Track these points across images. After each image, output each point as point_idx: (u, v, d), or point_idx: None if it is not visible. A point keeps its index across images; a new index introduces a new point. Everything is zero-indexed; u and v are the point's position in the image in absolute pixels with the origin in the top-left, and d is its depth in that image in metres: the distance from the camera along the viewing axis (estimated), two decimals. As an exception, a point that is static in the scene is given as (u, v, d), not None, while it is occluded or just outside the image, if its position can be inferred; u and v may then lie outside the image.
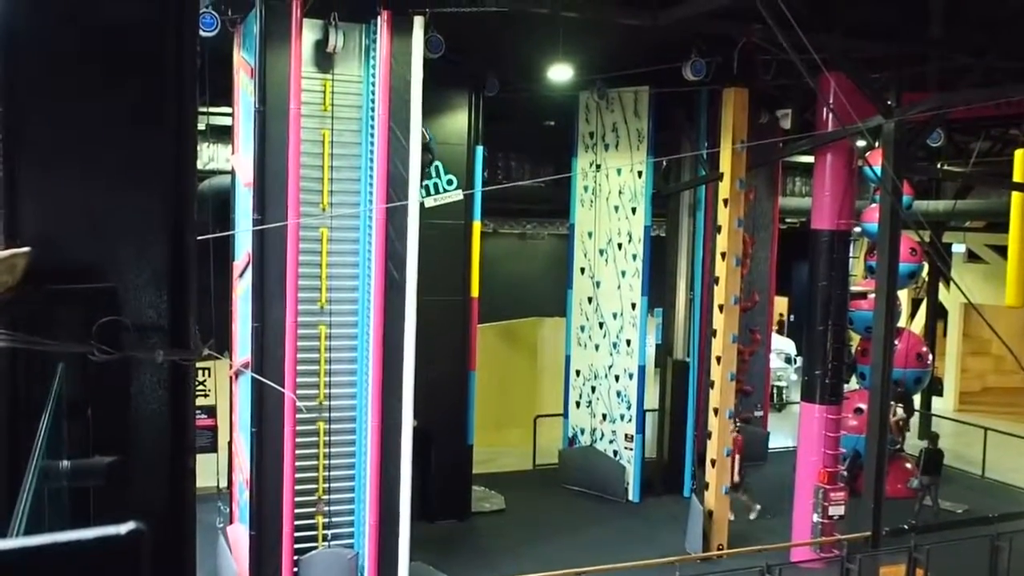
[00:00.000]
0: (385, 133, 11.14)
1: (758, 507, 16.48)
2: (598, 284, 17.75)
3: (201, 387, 15.27)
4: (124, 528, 1.32)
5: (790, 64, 12.26)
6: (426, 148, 12.12)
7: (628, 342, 17.26)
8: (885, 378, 13.30)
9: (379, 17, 11.12)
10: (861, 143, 14.92)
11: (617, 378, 17.48)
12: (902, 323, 19.80)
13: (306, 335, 11.22)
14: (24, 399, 2.78)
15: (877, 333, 13.54)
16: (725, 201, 14.84)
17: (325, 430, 11.40)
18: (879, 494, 13.16)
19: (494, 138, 16.85)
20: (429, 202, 14.34)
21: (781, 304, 28.89)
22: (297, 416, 11.10)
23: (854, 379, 19.13)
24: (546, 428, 19.33)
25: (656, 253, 17.33)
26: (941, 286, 24.19)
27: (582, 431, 18.18)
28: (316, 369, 11.35)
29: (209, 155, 16.48)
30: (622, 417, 17.42)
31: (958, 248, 25.95)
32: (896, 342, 16.10)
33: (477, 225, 15.77)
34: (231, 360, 12.87)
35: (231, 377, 13.21)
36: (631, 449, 17.31)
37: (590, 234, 17.84)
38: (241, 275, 12.16)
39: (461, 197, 15.15)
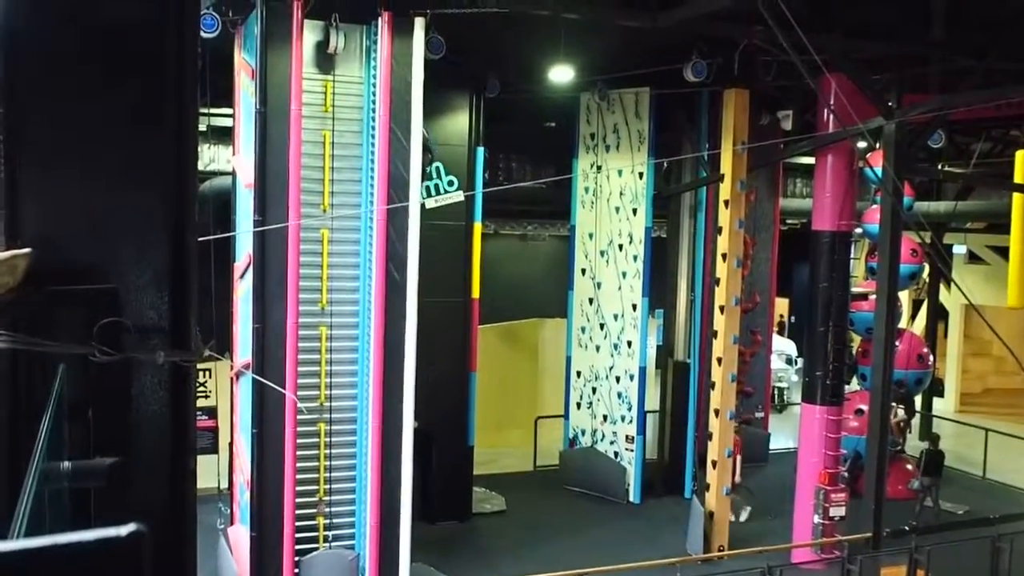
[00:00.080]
0: (386, 134, 11.14)
1: (748, 508, 16.46)
2: (599, 285, 17.75)
3: (202, 388, 15.26)
4: (125, 529, 1.32)
5: (791, 65, 12.26)
6: (426, 148, 12.12)
7: (629, 343, 17.26)
8: (886, 379, 13.29)
9: (380, 18, 11.12)
10: (862, 144, 14.92)
11: (618, 379, 17.47)
12: (903, 324, 19.81)
13: (307, 336, 11.22)
14: (25, 400, 2.78)
15: (878, 334, 13.54)
16: (726, 202, 14.84)
17: (326, 431, 11.40)
18: (880, 495, 13.16)
19: (495, 139, 16.85)
20: (430, 203, 14.34)
21: (782, 305, 28.88)
22: (298, 417, 11.10)
23: (855, 380, 19.13)
24: (547, 429, 19.33)
25: (657, 254, 17.33)
26: (942, 287, 24.20)
27: (583, 432, 18.17)
28: (317, 370, 11.35)
29: (210, 156, 16.49)
30: (623, 418, 17.42)
31: (959, 249, 25.95)
32: (897, 343, 16.11)
33: (478, 226, 15.78)
34: (232, 361, 12.87)
35: (232, 378, 13.21)
36: (632, 450, 17.30)
37: (591, 235, 17.84)
38: (242, 276, 12.16)
39: (462, 198, 15.15)
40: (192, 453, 3.16)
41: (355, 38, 11.31)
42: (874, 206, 16.60)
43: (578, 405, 18.26)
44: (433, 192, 15.06)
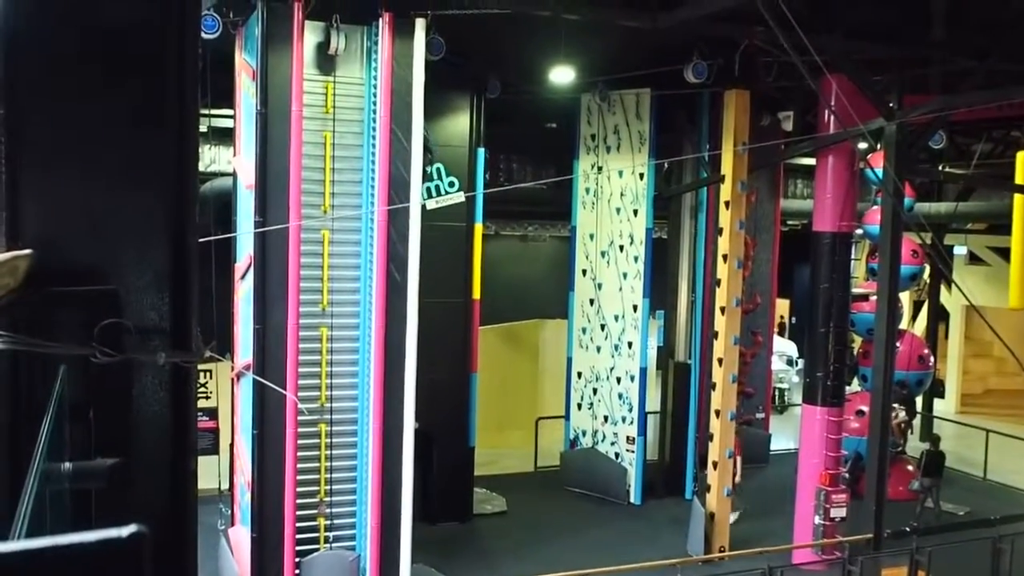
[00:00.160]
0: (387, 135, 11.14)
1: (738, 512, 16.41)
2: (600, 286, 17.75)
3: (203, 389, 15.29)
4: (126, 531, 1.32)
5: (792, 66, 12.26)
6: (425, 149, 12.12)
7: (630, 344, 17.26)
8: (887, 380, 13.29)
9: (381, 19, 11.12)
10: (863, 145, 14.92)
11: (619, 380, 17.47)
12: (904, 325, 19.80)
13: (307, 337, 11.22)
14: (26, 401, 2.78)
15: (879, 335, 13.53)
16: (727, 203, 14.84)
17: (326, 432, 11.40)
18: (881, 496, 13.16)
19: (496, 140, 16.85)
20: (431, 204, 14.35)
21: (783, 306, 28.88)
22: (299, 418, 11.10)
23: (855, 381, 19.12)
24: (548, 430, 19.33)
25: (658, 255, 17.33)
26: (943, 288, 24.19)
27: (584, 433, 18.17)
28: (317, 371, 11.35)
29: (211, 157, 16.49)
30: (624, 419, 17.42)
31: (959, 250, 25.96)
32: (898, 344, 16.10)
33: (479, 227, 15.78)
34: (233, 362, 12.87)
35: (232, 379, 13.21)
36: (633, 451, 17.30)
37: (592, 236, 17.84)
38: (243, 277, 12.17)
39: (463, 199, 15.16)
40: (193, 454, 3.16)
41: (356, 39, 11.32)
42: (875, 207, 16.60)
43: (579, 406, 18.26)
44: (434, 193, 15.06)
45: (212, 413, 15.79)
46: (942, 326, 26.27)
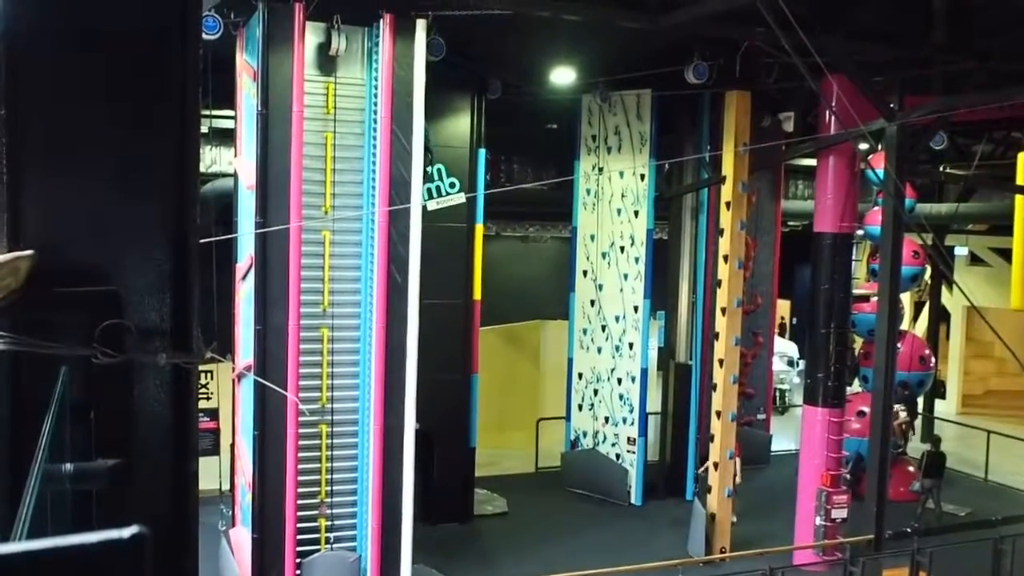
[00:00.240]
0: (387, 136, 11.14)
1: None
2: (600, 287, 17.75)
3: (203, 390, 15.29)
4: (127, 532, 1.32)
5: (792, 67, 12.25)
6: (425, 149, 12.13)
7: (631, 345, 17.26)
8: (888, 381, 13.29)
9: (381, 20, 11.13)
10: (864, 146, 14.92)
11: (620, 381, 17.47)
12: (905, 326, 19.80)
13: (308, 338, 11.22)
14: (27, 402, 2.78)
15: (880, 336, 13.53)
16: (727, 204, 14.84)
17: (327, 433, 11.40)
18: (882, 497, 13.16)
19: (496, 141, 16.85)
20: (431, 205, 14.35)
21: (783, 307, 28.87)
22: (299, 419, 11.10)
23: (856, 382, 19.11)
24: (548, 431, 19.32)
25: (658, 256, 17.33)
26: (944, 289, 24.19)
27: (584, 434, 18.17)
28: (318, 372, 11.35)
29: (212, 158, 16.49)
30: (624, 420, 17.42)
31: (960, 251, 25.94)
32: (899, 345, 16.09)
33: (479, 228, 15.78)
34: (233, 363, 12.88)
35: (233, 380, 13.21)
36: (633, 452, 17.30)
37: (592, 237, 17.84)
38: (243, 278, 12.17)
39: (463, 200, 15.16)
40: (194, 455, 3.16)
41: (357, 40, 11.32)
42: (876, 208, 16.60)
43: (580, 407, 18.26)
44: (435, 194, 15.07)
45: (213, 414, 15.79)
46: (943, 327, 26.26)
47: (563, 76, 15.37)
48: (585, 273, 18.05)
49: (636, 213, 17.05)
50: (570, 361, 18.46)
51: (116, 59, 2.96)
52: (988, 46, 13.39)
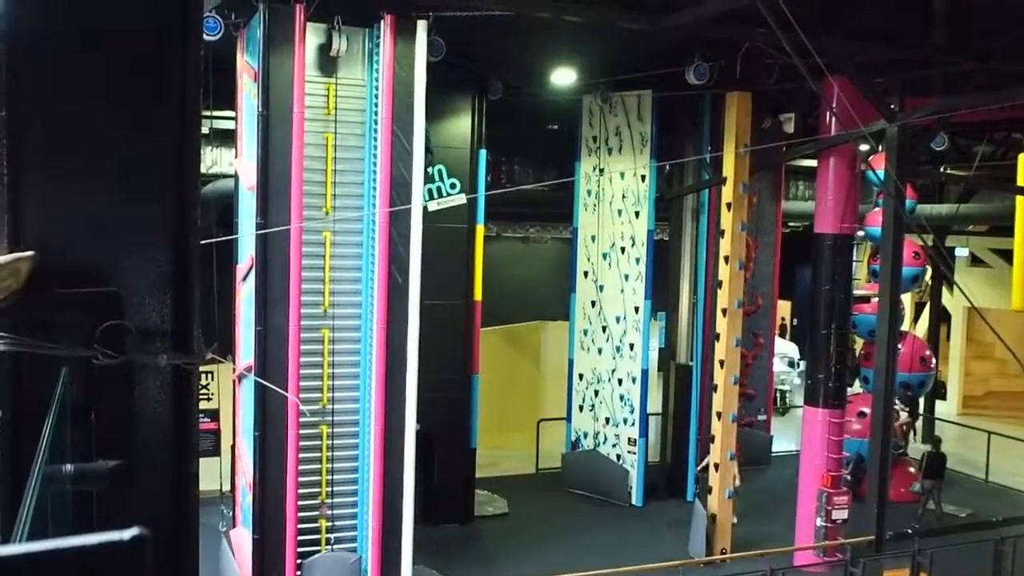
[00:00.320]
0: (388, 137, 11.14)
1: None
2: (601, 288, 17.75)
3: (204, 391, 15.27)
4: (128, 533, 1.32)
5: (793, 68, 12.25)
6: (426, 150, 12.13)
7: (631, 346, 17.26)
8: (888, 382, 13.28)
9: (382, 21, 11.13)
10: (864, 147, 14.92)
11: (620, 382, 17.47)
12: (905, 327, 19.79)
13: (309, 339, 11.21)
14: (28, 403, 2.78)
15: (880, 337, 13.53)
16: (728, 205, 14.84)
17: (328, 434, 11.40)
18: (882, 498, 13.15)
19: (497, 142, 16.86)
20: (432, 206, 14.34)
21: (784, 308, 28.87)
22: (300, 420, 11.09)
23: (857, 383, 19.11)
24: (549, 432, 19.32)
25: (659, 257, 17.33)
26: (944, 290, 24.18)
27: (585, 435, 18.16)
28: (319, 373, 11.35)
29: (212, 159, 16.50)
30: (625, 421, 17.41)
31: (961, 252, 25.94)
32: (899, 346, 16.09)
33: (480, 229, 15.78)
34: (234, 364, 12.87)
35: (234, 381, 13.21)
36: (634, 453, 17.29)
37: (593, 238, 17.84)
38: (244, 279, 12.17)
39: (464, 201, 15.15)
40: (194, 456, 3.16)
41: (357, 41, 11.32)
42: (876, 209, 16.60)
43: (580, 408, 18.25)
44: (435, 195, 15.06)
45: (213, 415, 15.77)
46: (944, 328, 26.25)
47: (564, 77, 15.36)
48: (586, 274, 18.05)
49: (637, 214, 17.05)
50: (571, 362, 18.46)
51: (117, 60, 2.96)
52: (989, 47, 13.38)
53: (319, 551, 11.41)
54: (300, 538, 11.25)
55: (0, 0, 2.80)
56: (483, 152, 15.70)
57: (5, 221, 2.82)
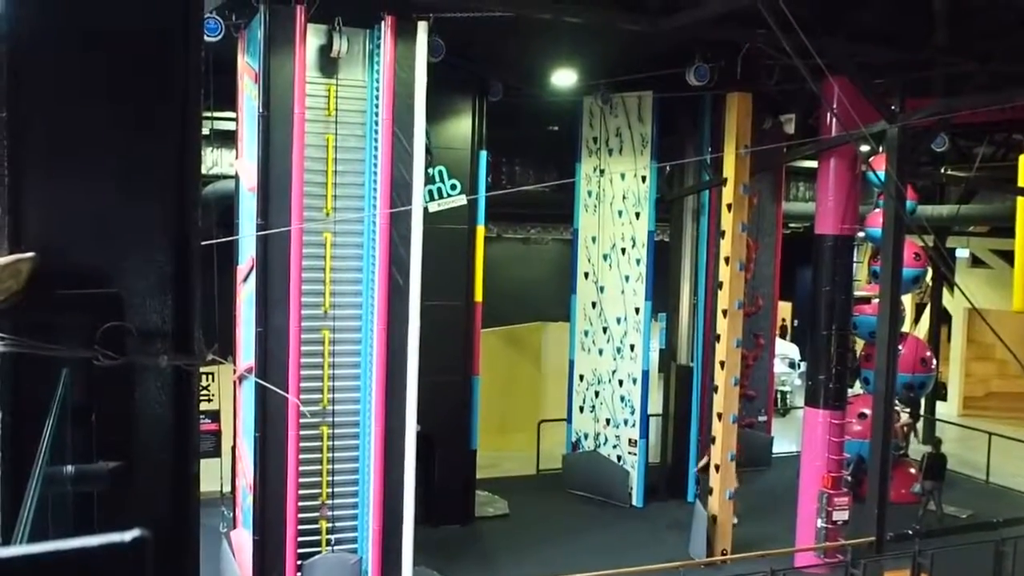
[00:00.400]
0: (389, 138, 11.14)
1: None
2: (602, 289, 17.75)
3: (204, 392, 15.28)
4: (128, 535, 1.32)
5: (793, 69, 12.25)
6: (426, 151, 12.13)
7: (632, 347, 17.26)
8: (889, 383, 13.27)
9: (383, 22, 11.13)
10: (865, 148, 14.91)
11: (621, 383, 17.47)
12: (906, 328, 19.78)
13: (310, 340, 11.21)
14: (28, 404, 2.78)
15: (881, 338, 13.52)
16: (729, 206, 14.84)
17: (328, 434, 11.40)
18: (883, 499, 13.14)
19: (498, 143, 16.86)
20: (433, 207, 14.34)
21: (785, 309, 28.86)
22: (300, 420, 11.09)
23: (858, 384, 19.11)
24: (550, 433, 19.32)
25: (660, 258, 17.33)
26: (945, 291, 24.17)
27: (586, 436, 18.16)
28: (320, 374, 11.35)
29: (213, 160, 16.50)
30: (626, 422, 17.41)
31: (962, 253, 25.93)
32: (900, 347, 16.08)
33: (481, 229, 15.78)
34: (235, 365, 12.87)
35: (234, 382, 13.21)
36: (635, 454, 17.29)
37: (594, 239, 17.84)
38: (245, 280, 12.17)
39: (465, 202, 15.15)
40: (195, 457, 3.16)
41: (358, 42, 11.32)
42: (877, 210, 16.59)
43: (581, 409, 18.25)
44: (436, 196, 15.06)
45: (214, 416, 15.77)
46: (944, 329, 26.25)
47: (564, 78, 15.35)
48: (586, 275, 18.05)
49: (637, 215, 17.05)
50: (571, 363, 18.46)
51: (118, 61, 2.96)
52: (989, 48, 13.38)
53: (319, 552, 11.41)
54: (300, 539, 11.25)
55: (1, 0, 2.80)
56: (483, 153, 15.70)
57: (6, 222, 2.82)
